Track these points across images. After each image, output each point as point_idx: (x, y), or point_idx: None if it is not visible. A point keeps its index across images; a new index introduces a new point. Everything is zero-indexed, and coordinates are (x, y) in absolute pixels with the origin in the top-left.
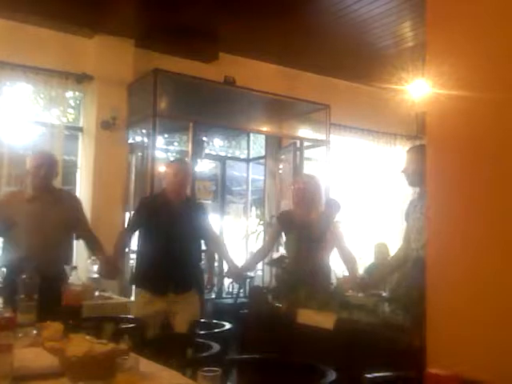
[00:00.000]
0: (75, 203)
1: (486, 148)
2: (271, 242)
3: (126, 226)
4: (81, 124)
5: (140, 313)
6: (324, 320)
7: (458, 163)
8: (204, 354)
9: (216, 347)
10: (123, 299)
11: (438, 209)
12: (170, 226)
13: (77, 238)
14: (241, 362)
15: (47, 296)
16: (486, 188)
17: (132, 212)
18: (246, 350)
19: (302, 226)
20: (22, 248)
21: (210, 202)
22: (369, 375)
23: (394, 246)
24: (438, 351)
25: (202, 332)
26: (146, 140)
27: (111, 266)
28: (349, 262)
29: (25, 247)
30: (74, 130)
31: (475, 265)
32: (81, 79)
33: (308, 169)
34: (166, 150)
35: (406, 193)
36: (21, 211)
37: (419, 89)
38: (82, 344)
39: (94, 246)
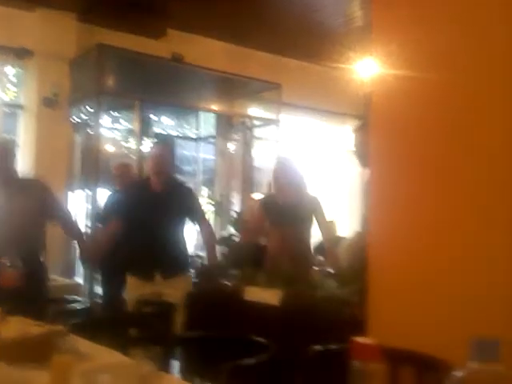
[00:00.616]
0: (42, 190)
1: (428, 129)
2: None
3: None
4: (22, 101)
5: (130, 297)
6: (270, 296)
7: (401, 144)
8: (148, 333)
9: (161, 326)
10: (67, 281)
11: (380, 188)
12: (150, 210)
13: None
14: (185, 340)
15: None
16: (429, 170)
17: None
18: (192, 328)
19: (286, 210)
20: None
21: None
22: (313, 348)
23: (343, 225)
24: (378, 324)
25: (148, 311)
26: (90, 118)
27: (90, 255)
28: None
29: None
30: (14, 108)
31: (416, 243)
32: (21, 54)
33: (258, 148)
34: (113, 129)
35: (356, 172)
36: None
37: (368, 68)
38: (17, 326)
39: (70, 233)
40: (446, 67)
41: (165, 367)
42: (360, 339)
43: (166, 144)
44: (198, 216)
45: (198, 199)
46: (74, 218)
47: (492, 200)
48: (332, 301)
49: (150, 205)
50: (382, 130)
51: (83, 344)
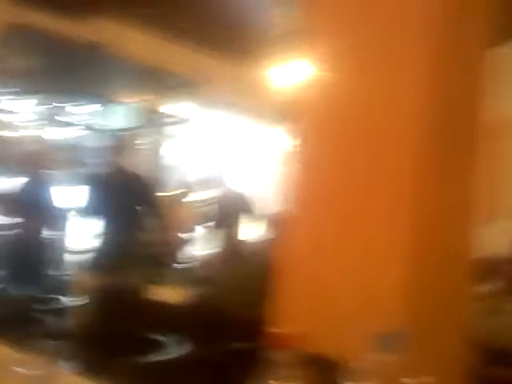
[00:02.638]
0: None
1: (351, 133)
2: None
3: None
4: None
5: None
6: (171, 295)
7: (326, 147)
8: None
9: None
10: None
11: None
12: (104, 201)
13: None
14: (83, 335)
15: None
16: (344, 179)
17: None
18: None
19: None
20: None
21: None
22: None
23: None
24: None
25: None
26: None
27: None
28: None
29: None
30: None
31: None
32: None
33: (170, 145)
34: (17, 113)
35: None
36: None
37: (291, 72)
38: None
39: None
40: (370, 73)
41: (61, 364)
42: (274, 329)
43: (118, 137)
44: (151, 204)
45: (151, 188)
46: None
47: (401, 198)
48: (230, 301)
49: (105, 195)
50: (310, 134)
51: None
